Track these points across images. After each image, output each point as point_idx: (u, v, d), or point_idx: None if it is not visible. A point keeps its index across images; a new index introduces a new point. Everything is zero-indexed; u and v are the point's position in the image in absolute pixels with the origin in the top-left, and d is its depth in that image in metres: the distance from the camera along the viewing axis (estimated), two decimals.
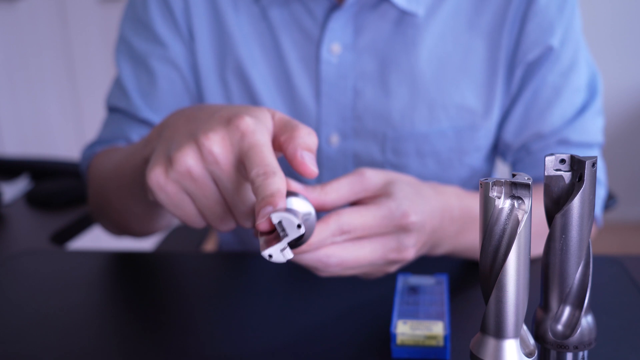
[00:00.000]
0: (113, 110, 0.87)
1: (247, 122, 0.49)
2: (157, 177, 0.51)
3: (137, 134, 0.83)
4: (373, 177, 0.57)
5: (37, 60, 2.53)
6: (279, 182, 0.46)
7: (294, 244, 0.49)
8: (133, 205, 0.71)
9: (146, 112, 0.83)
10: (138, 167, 0.61)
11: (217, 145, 0.49)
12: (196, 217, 0.53)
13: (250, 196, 0.51)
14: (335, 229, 0.53)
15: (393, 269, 0.58)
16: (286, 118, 0.52)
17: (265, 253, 0.44)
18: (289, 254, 0.45)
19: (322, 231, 0.52)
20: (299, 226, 0.44)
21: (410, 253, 0.57)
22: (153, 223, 0.76)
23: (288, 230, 0.44)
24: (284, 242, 0.44)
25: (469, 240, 0.65)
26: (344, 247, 0.54)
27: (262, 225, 0.45)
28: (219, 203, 0.51)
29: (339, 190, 0.56)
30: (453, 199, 0.62)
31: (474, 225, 0.64)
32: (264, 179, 0.46)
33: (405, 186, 0.57)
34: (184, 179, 0.50)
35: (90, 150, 0.86)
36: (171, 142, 0.52)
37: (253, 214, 0.51)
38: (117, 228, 0.81)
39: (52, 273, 0.74)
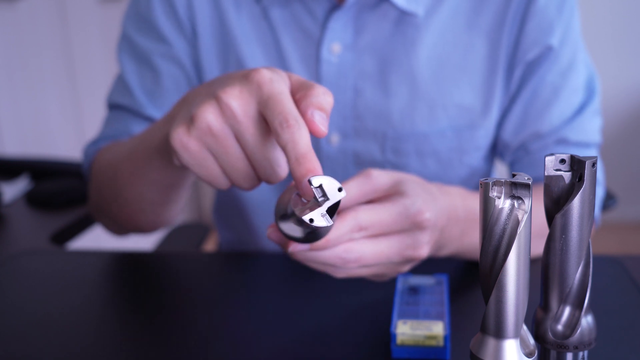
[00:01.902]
0: (115, 107, 0.86)
1: (263, 73, 0.50)
2: (180, 136, 0.51)
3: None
4: (380, 177, 0.57)
5: (37, 60, 2.52)
6: (305, 135, 0.47)
7: (316, 236, 0.49)
8: (147, 191, 0.70)
9: (151, 110, 0.83)
10: (156, 145, 0.62)
11: (235, 98, 0.50)
12: (220, 177, 0.53)
13: (273, 151, 0.51)
14: (354, 225, 0.53)
15: (406, 268, 0.58)
16: (302, 79, 0.52)
17: (307, 217, 0.43)
18: (329, 220, 0.43)
19: (340, 227, 0.52)
20: (339, 189, 0.43)
21: (424, 250, 0.57)
22: (165, 211, 0.75)
23: (329, 194, 0.43)
24: (326, 206, 0.43)
25: (473, 241, 0.65)
26: (362, 243, 0.54)
27: (307, 191, 0.45)
28: (241, 160, 0.51)
29: (348, 193, 0.56)
30: (457, 199, 0.62)
31: (477, 226, 0.64)
32: (289, 131, 0.46)
33: (415, 185, 0.57)
34: (206, 136, 0.50)
35: (94, 146, 0.85)
36: (192, 104, 0.53)
37: (276, 170, 0.52)
38: (123, 223, 0.79)
39: (52, 273, 0.74)
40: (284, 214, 0.50)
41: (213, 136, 0.50)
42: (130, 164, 0.69)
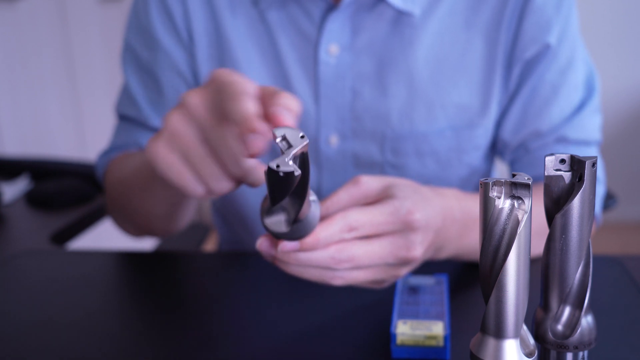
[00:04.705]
0: (123, 118, 0.88)
1: (224, 72, 0.52)
2: (152, 144, 0.53)
3: None
4: (370, 182, 0.58)
5: (37, 60, 2.52)
6: (248, 102, 0.48)
7: (303, 228, 0.49)
8: (155, 206, 0.72)
9: (156, 120, 0.84)
10: None
11: (196, 96, 0.52)
12: (192, 181, 0.53)
13: (236, 143, 0.51)
14: (343, 225, 0.53)
15: (403, 271, 0.58)
16: (271, 87, 0.53)
17: (273, 164, 0.42)
18: (297, 168, 0.42)
19: (329, 227, 0.52)
20: (302, 137, 0.43)
21: (418, 251, 0.57)
22: (175, 220, 0.78)
23: (293, 142, 0.43)
24: (290, 153, 0.43)
25: (472, 242, 0.65)
26: (353, 244, 0.54)
27: (256, 147, 0.47)
28: (207, 156, 0.52)
29: (339, 202, 0.56)
30: (452, 200, 0.62)
31: (475, 226, 0.64)
32: (233, 100, 0.48)
33: (405, 187, 0.57)
34: (172, 138, 0.52)
35: (106, 157, 0.87)
36: None
37: (241, 162, 0.51)
38: (140, 229, 0.83)
39: (52, 273, 0.74)
40: (268, 209, 0.50)
41: (179, 137, 0.52)
42: (137, 181, 0.71)
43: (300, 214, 0.48)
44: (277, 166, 0.42)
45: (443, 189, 0.63)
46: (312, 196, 0.51)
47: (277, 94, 0.50)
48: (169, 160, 0.53)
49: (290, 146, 0.43)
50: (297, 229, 0.50)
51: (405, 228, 0.55)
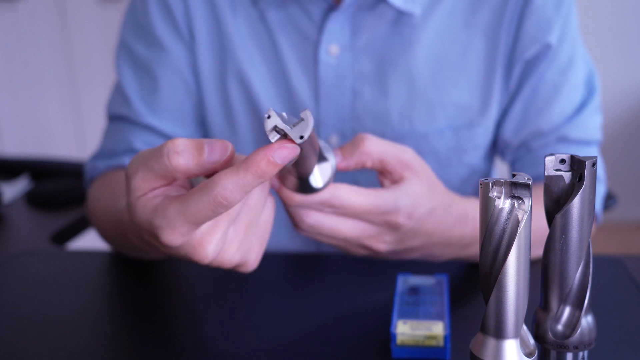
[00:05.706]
0: (114, 118, 0.86)
1: (168, 238, 0.45)
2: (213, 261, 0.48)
3: (140, 141, 0.82)
4: (411, 158, 0.57)
5: (37, 60, 2.53)
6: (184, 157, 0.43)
7: (293, 187, 0.52)
8: (139, 255, 0.72)
9: (149, 118, 0.82)
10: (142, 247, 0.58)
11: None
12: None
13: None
14: (326, 199, 0.53)
15: (362, 253, 0.59)
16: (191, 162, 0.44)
17: (269, 112, 0.41)
18: (272, 137, 0.41)
19: (311, 197, 0.53)
20: (301, 137, 0.41)
21: (382, 247, 0.57)
22: (156, 256, 0.73)
23: (297, 127, 0.41)
24: (284, 127, 0.41)
25: (473, 251, 0.66)
26: (324, 215, 0.55)
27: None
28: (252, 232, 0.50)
29: (384, 150, 0.56)
30: (470, 213, 0.62)
31: None
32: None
33: (419, 187, 0.57)
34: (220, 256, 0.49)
35: (92, 165, 0.84)
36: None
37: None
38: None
39: (52, 273, 0.74)
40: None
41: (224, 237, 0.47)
42: (113, 228, 0.70)
43: (297, 173, 0.50)
44: (268, 117, 0.41)
45: (465, 200, 0.63)
46: (324, 175, 0.52)
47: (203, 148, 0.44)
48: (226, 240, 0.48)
49: (293, 126, 0.42)
50: (294, 183, 0.52)
51: (383, 224, 0.56)
